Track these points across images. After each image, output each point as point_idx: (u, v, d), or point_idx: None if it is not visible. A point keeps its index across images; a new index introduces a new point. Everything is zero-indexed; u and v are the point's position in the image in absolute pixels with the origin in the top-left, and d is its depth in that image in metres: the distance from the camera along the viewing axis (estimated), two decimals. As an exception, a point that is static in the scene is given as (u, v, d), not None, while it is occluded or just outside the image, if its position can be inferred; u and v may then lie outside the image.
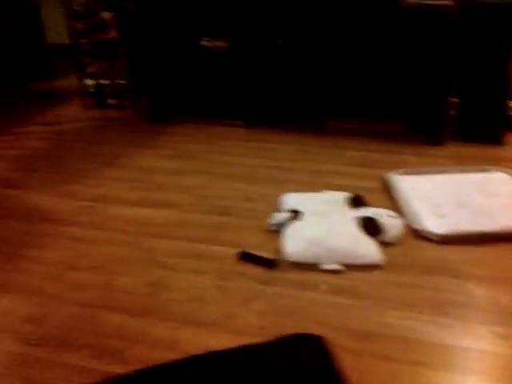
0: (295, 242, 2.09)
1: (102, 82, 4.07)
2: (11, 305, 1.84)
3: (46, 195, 2.65)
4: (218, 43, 3.36)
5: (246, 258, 2.09)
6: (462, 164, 2.86)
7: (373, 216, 2.21)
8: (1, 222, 2.43)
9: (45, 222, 2.41)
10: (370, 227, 2.16)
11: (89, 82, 4.03)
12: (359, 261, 2.02)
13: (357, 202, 2.41)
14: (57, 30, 6.20)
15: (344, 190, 2.52)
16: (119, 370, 1.54)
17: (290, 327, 1.71)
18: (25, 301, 1.86)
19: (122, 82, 4.03)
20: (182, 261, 2.10)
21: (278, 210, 2.40)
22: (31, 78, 5.26)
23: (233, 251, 2.13)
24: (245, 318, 1.77)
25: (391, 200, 2.51)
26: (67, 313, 1.79)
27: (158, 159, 3.11)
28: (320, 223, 2.20)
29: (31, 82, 5.07)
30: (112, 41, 3.74)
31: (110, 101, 4.12)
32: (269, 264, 2.04)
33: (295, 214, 2.27)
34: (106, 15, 3.59)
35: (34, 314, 1.79)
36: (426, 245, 2.17)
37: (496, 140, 3.13)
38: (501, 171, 2.72)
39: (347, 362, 1.53)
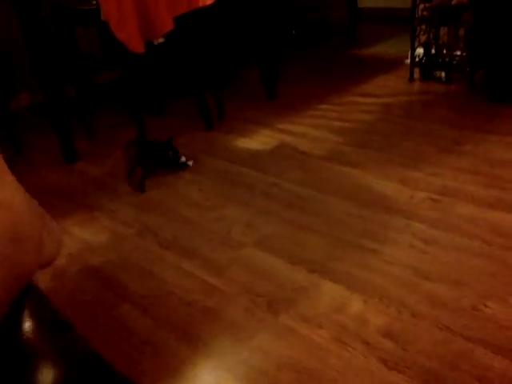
0: None
1: (433, 51, 3.67)
2: (366, 309, 1.65)
3: (385, 179, 2.42)
4: None
5: None
6: None
7: None
8: (334, 201, 2.29)
9: (387, 211, 2.17)
10: None
11: (419, 51, 3.67)
12: None
13: None
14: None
15: None
16: None
17: None
18: (381, 308, 1.65)
19: (456, 52, 3.57)
20: None
21: None
22: (342, 44, 5.19)
23: None
24: None
25: None
26: (433, 337, 1.51)
27: (506, 149, 2.60)
28: None
29: (343, 49, 4.98)
30: (455, 7, 3.27)
31: (438, 73, 3.70)
32: None
33: None
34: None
35: (393, 329, 1.56)
36: None
37: None
38: None
39: None
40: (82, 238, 2.21)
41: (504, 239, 1.91)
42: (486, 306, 1.61)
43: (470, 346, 1.47)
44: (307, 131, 3.08)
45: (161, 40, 2.85)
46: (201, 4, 2.83)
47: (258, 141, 3.01)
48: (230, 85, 3.82)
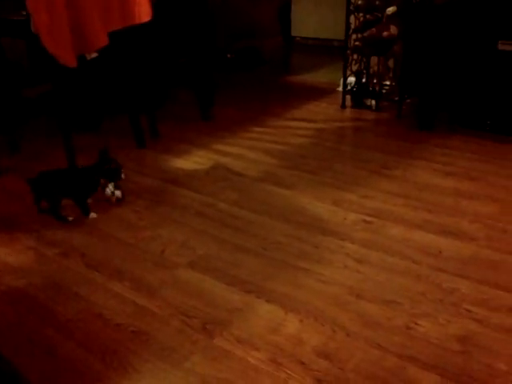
0: None
1: (363, 80, 3.81)
2: (301, 329, 1.63)
3: (319, 201, 2.45)
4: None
5: None
6: None
7: None
8: (269, 222, 2.29)
9: (321, 232, 2.19)
10: None
11: (351, 79, 3.80)
12: None
13: None
14: (301, 24, 6.22)
15: None
16: None
17: None
18: (315, 327, 1.64)
19: (386, 82, 3.73)
20: (494, 314, 1.68)
21: None
22: (276, 71, 5.31)
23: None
24: None
25: None
26: (366, 356, 1.52)
27: (433, 174, 2.72)
28: None
29: (276, 76, 5.08)
30: (386, 39, 3.42)
31: (368, 101, 3.84)
32: None
33: None
34: (390, 10, 3.28)
35: (328, 348, 1.55)
36: None
37: None
38: None
39: None
40: (1, 259, 2.06)
41: (432, 259, 1.97)
42: (417, 324, 1.65)
43: (402, 364, 1.49)
44: (242, 153, 3.08)
45: (94, 55, 2.77)
46: (137, 21, 2.79)
47: (192, 161, 2.97)
48: (164, 105, 3.77)
